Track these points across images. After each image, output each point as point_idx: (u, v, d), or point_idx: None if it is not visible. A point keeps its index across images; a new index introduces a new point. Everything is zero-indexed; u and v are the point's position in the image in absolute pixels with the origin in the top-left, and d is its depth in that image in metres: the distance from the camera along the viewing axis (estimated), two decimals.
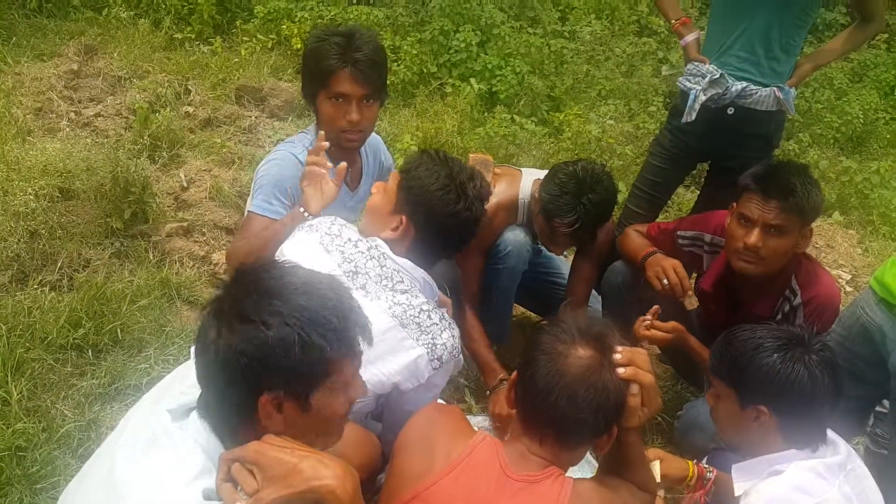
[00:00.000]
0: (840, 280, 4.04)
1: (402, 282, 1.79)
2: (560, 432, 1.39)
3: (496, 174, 2.79)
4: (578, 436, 1.42)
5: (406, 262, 1.83)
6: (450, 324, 1.78)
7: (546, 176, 2.55)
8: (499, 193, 2.62)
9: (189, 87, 4.41)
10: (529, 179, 2.70)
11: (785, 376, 1.58)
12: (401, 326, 1.70)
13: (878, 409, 2.37)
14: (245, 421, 1.16)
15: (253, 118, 4.37)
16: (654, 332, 2.31)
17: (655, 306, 2.34)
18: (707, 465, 2.01)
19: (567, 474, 1.45)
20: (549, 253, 2.98)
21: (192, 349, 1.68)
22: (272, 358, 1.11)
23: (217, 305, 1.16)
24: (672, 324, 2.33)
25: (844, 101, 5.85)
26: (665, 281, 2.40)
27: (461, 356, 1.83)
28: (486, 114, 4.81)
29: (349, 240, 1.82)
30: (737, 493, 1.64)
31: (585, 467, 2.16)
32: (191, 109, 4.23)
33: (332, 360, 1.16)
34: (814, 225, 2.28)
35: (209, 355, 1.14)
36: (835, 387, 1.60)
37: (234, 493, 1.09)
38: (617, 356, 1.40)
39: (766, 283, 2.28)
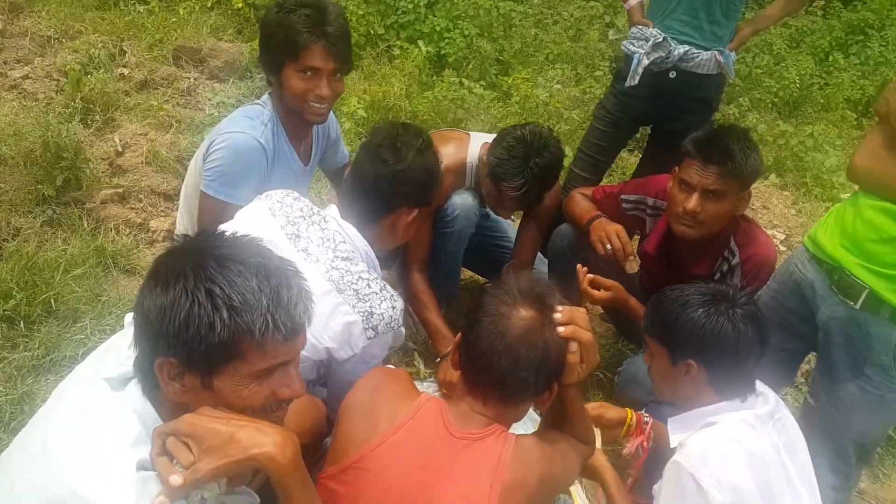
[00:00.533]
0: (775, 240, 4.18)
1: (345, 243, 1.78)
2: (502, 391, 1.42)
3: (446, 136, 2.78)
4: (520, 394, 1.44)
5: (350, 228, 1.82)
6: (391, 296, 1.76)
7: (494, 140, 2.55)
8: (447, 156, 2.60)
9: (124, 48, 4.21)
10: (477, 143, 2.69)
11: (710, 330, 1.64)
12: (337, 291, 1.68)
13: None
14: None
15: (192, 80, 4.21)
16: (593, 290, 2.37)
17: (585, 267, 2.40)
18: (645, 414, 2.09)
19: (511, 430, 1.47)
20: (496, 216, 2.99)
21: (126, 323, 1.65)
22: (165, 321, 1.07)
23: (153, 266, 1.14)
24: (611, 282, 2.39)
25: (782, 66, 6.00)
26: (608, 246, 2.44)
27: (402, 329, 1.81)
28: (434, 77, 4.75)
29: (299, 209, 1.82)
30: (672, 445, 1.70)
31: (528, 423, 2.21)
32: (126, 71, 4.05)
33: (227, 340, 1.08)
34: (753, 186, 2.33)
35: (135, 313, 1.13)
36: (759, 338, 1.66)
37: (169, 466, 1.07)
38: (557, 315, 1.42)
39: (706, 244, 2.34)
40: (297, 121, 2.27)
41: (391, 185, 1.84)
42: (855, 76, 6.47)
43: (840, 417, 2.00)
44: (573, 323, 1.43)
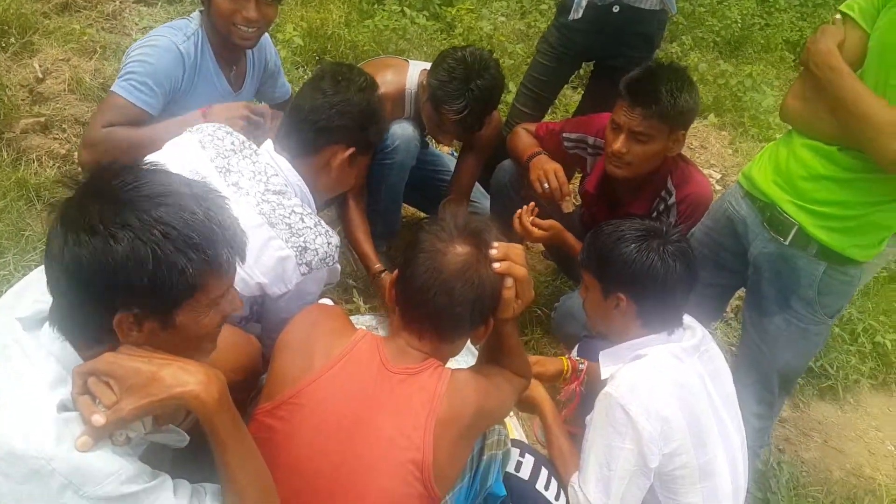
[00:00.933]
0: (711, 179, 4.28)
1: (277, 176, 1.74)
2: (438, 327, 1.43)
3: (383, 63, 2.70)
4: (456, 329, 1.46)
5: (283, 162, 1.78)
6: (326, 231, 1.73)
7: (434, 62, 2.50)
8: (385, 84, 2.53)
9: None
10: (416, 70, 2.63)
11: (640, 264, 1.68)
12: (269, 225, 1.64)
13: None
14: (102, 335, 1.09)
15: (117, 3, 3.96)
16: (532, 228, 2.39)
17: (532, 203, 2.42)
18: (578, 358, 2.15)
19: (451, 364, 1.49)
20: (436, 150, 2.96)
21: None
22: (123, 275, 1.02)
23: (65, 211, 1.05)
24: (550, 222, 2.42)
25: (725, 5, 6.03)
26: (546, 185, 2.45)
27: (337, 266, 1.79)
28: (375, 5, 4.60)
29: (231, 143, 1.77)
30: (603, 377, 1.76)
31: (468, 356, 2.25)
32: None
33: (194, 279, 1.08)
34: (692, 126, 2.36)
35: (58, 267, 1.04)
36: (688, 275, 1.71)
37: (91, 405, 1.04)
38: (493, 251, 1.43)
39: (643, 184, 2.37)
40: (226, 43, 2.21)
41: (328, 116, 1.79)
42: (794, 17, 6.58)
43: (766, 349, 2.09)
44: (508, 259, 1.43)
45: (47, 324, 1.12)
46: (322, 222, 1.74)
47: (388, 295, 1.53)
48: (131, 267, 1.03)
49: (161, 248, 1.04)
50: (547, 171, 2.45)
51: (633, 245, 1.70)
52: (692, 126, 4.71)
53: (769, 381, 2.14)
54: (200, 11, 2.22)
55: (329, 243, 1.72)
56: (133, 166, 1.11)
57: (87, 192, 1.06)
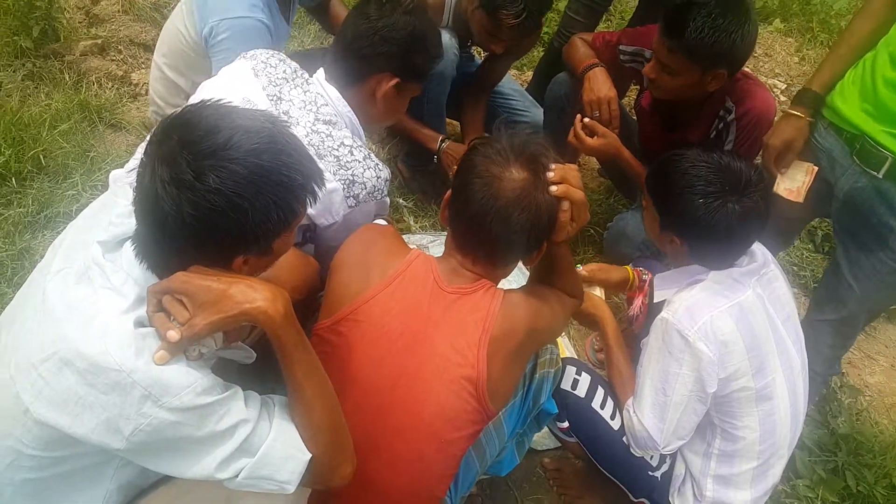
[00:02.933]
0: (775, 90, 4.09)
1: (327, 105, 1.73)
2: (492, 253, 1.44)
3: None
4: (510, 255, 1.47)
5: (333, 91, 1.76)
6: (376, 164, 1.71)
7: None
8: None
9: None
10: None
11: (703, 222, 1.59)
12: (317, 157, 1.61)
13: None
14: (189, 264, 1.15)
15: None
16: (586, 138, 2.32)
17: (577, 116, 2.36)
18: (642, 269, 2.14)
19: (503, 283, 1.51)
20: (473, 61, 2.92)
21: (112, 180, 1.65)
22: (251, 229, 1.11)
23: (170, 157, 1.07)
24: (605, 129, 2.35)
25: None
26: (596, 113, 2.38)
27: (386, 199, 1.78)
28: None
29: (283, 71, 1.76)
30: (656, 300, 1.75)
31: (520, 276, 2.28)
32: None
33: (297, 212, 1.18)
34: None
35: (166, 210, 1.08)
36: (751, 237, 1.64)
37: (167, 321, 1.11)
38: (550, 174, 1.41)
39: (699, 103, 2.27)
40: None
41: (371, 43, 1.73)
42: None
43: (858, 287, 1.99)
44: (566, 181, 1.42)
45: (127, 245, 1.18)
46: (372, 155, 1.73)
47: (441, 215, 1.54)
48: (258, 221, 1.11)
49: (279, 196, 1.12)
50: (601, 100, 2.38)
51: (700, 200, 1.59)
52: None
53: (855, 319, 2.07)
54: None
55: (378, 177, 1.71)
56: (220, 112, 1.13)
57: (186, 139, 1.09)
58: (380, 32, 1.73)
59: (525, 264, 1.56)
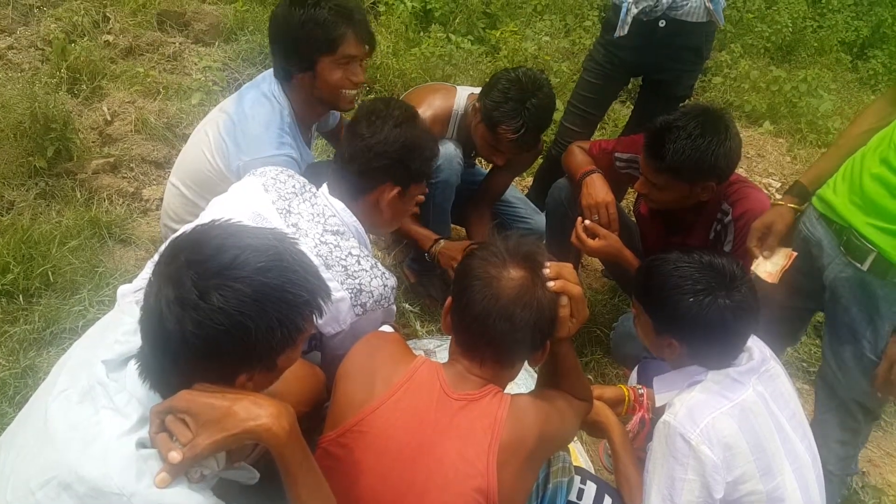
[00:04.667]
0: (770, 188, 4.19)
1: (334, 216, 1.77)
2: (498, 352, 1.43)
3: (433, 88, 2.76)
4: (516, 354, 1.46)
5: (338, 203, 1.81)
6: (382, 273, 1.74)
7: (487, 85, 2.54)
8: (434, 106, 2.64)
9: (107, 14, 4.14)
10: (464, 94, 2.70)
11: (697, 320, 1.59)
12: (325, 267, 1.66)
13: None
14: (193, 383, 1.15)
15: (177, 44, 4.16)
16: (588, 239, 2.36)
17: (580, 218, 2.41)
18: (637, 385, 2.11)
19: (512, 386, 1.49)
20: (483, 170, 3.01)
21: (120, 296, 1.66)
22: (254, 348, 1.12)
23: (176, 277, 1.09)
24: (607, 231, 2.39)
25: (774, 9, 5.91)
26: (595, 217, 2.44)
27: (393, 307, 1.80)
28: (421, 33, 4.69)
29: (292, 186, 1.82)
30: (659, 404, 1.72)
31: (529, 379, 2.25)
32: (111, 38, 4.00)
33: (303, 328, 1.19)
34: (745, 135, 2.30)
35: (169, 330, 1.08)
36: (747, 329, 1.63)
37: (169, 442, 1.09)
38: (546, 271, 1.43)
39: (697, 210, 2.33)
40: (316, 110, 2.30)
41: (367, 159, 1.78)
42: (849, 17, 6.40)
43: (842, 377, 1.99)
44: (562, 277, 1.44)
45: (131, 364, 1.18)
46: (379, 264, 1.76)
47: (443, 323, 1.54)
48: (262, 339, 1.12)
49: (284, 314, 1.13)
50: (599, 204, 2.44)
51: (691, 299, 1.59)
52: (746, 134, 4.63)
53: (850, 409, 2.03)
54: (280, 87, 2.23)
55: (385, 285, 1.73)
56: (225, 232, 1.16)
57: (192, 266, 1.10)
58: (374, 149, 1.78)
59: (530, 364, 1.55)
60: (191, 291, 1.07)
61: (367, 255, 1.75)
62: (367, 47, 2.19)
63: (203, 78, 3.82)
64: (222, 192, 1.89)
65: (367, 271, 1.71)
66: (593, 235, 2.38)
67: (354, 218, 1.82)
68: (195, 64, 3.99)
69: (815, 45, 5.99)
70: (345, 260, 1.70)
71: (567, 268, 1.46)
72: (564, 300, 1.45)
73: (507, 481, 1.36)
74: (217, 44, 4.22)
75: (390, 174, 1.81)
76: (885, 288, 1.84)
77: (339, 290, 1.65)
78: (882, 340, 1.87)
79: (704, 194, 2.22)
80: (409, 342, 2.58)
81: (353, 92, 2.23)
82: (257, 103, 2.22)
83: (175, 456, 1.06)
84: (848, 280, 1.90)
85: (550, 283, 1.43)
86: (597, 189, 2.47)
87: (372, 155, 1.79)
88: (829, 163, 2.04)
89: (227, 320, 1.07)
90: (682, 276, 1.62)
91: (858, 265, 1.86)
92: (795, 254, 2.04)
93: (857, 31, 6.30)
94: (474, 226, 2.95)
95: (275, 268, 1.12)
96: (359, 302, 1.68)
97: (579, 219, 2.40)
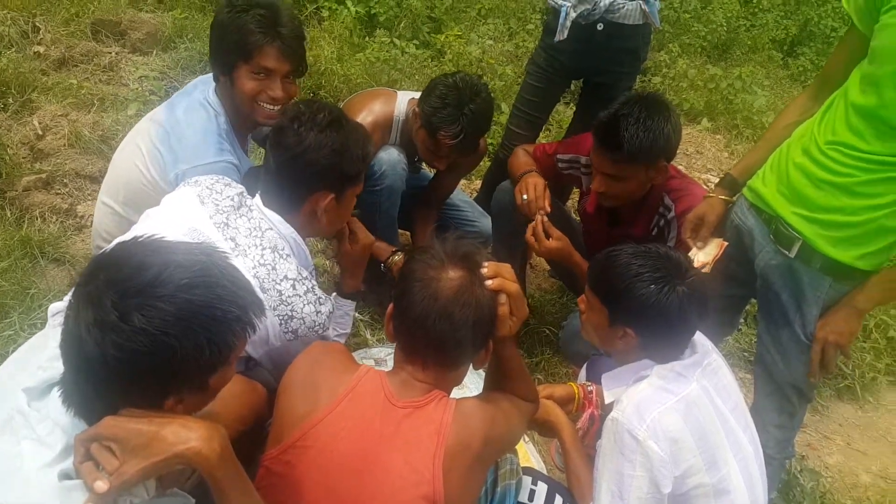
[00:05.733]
0: (709, 184, 4.28)
1: (271, 230, 1.73)
2: (441, 354, 1.43)
3: (373, 94, 2.75)
4: (458, 354, 1.46)
5: (274, 216, 1.76)
6: (317, 299, 1.71)
7: (425, 90, 2.54)
8: (374, 112, 2.62)
9: (37, 24, 4.00)
10: (405, 99, 2.70)
11: (658, 307, 1.62)
12: (261, 290, 1.62)
13: None
14: (120, 407, 1.11)
15: (113, 54, 4.04)
16: (543, 239, 2.38)
17: (537, 217, 2.41)
18: (586, 382, 2.14)
19: (462, 389, 1.49)
20: (429, 174, 3.02)
21: (50, 315, 1.60)
22: (183, 368, 1.07)
23: (96, 298, 1.05)
24: (560, 233, 2.41)
25: (709, 9, 6.07)
26: (524, 196, 2.47)
27: (328, 333, 1.77)
28: (366, 38, 4.67)
29: (230, 198, 1.76)
30: (607, 401, 1.74)
31: (479, 381, 2.25)
32: (41, 49, 3.86)
33: (236, 346, 1.15)
34: (685, 132, 2.35)
35: (90, 353, 1.04)
36: (699, 319, 1.66)
37: (95, 471, 1.05)
38: (483, 270, 1.45)
39: (639, 204, 2.39)
40: (245, 120, 2.22)
41: (295, 169, 1.74)
42: (778, 16, 6.61)
43: (779, 360, 2.05)
44: (499, 275, 1.46)
45: (54, 392, 1.13)
46: (316, 289, 1.72)
47: (386, 329, 1.53)
48: (190, 360, 1.07)
49: (212, 332, 1.08)
50: (528, 183, 2.48)
51: (652, 286, 1.62)
52: (685, 132, 4.74)
53: (786, 393, 2.09)
54: (215, 91, 2.18)
55: (318, 312, 1.69)
56: (150, 249, 1.11)
57: (112, 279, 1.06)
58: (301, 158, 1.73)
59: (475, 366, 1.55)
60: (110, 312, 1.02)
61: (304, 279, 1.71)
62: (289, 65, 2.10)
63: (140, 88, 3.73)
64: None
65: (300, 297, 1.67)
66: (548, 235, 2.41)
67: (292, 229, 1.78)
68: (131, 74, 3.89)
69: (749, 43, 6.18)
70: (279, 284, 1.66)
71: (505, 267, 1.48)
72: (503, 298, 1.46)
73: (454, 487, 1.35)
74: (155, 53, 4.12)
75: (323, 181, 1.77)
76: (810, 274, 1.90)
77: (270, 315, 1.62)
78: (810, 325, 1.94)
79: (659, 176, 2.28)
80: (359, 351, 2.59)
81: (272, 107, 2.14)
82: (191, 110, 2.15)
83: (101, 486, 1.02)
84: (778, 267, 1.97)
85: (488, 282, 1.44)
86: (532, 176, 2.52)
87: (301, 164, 1.73)
88: (757, 155, 2.11)
89: (150, 341, 1.03)
90: (641, 265, 1.66)
91: (786, 253, 1.92)
92: (726, 243, 2.11)
93: (786, 30, 6.52)
94: (419, 229, 2.95)
95: (201, 284, 1.08)
96: (289, 328, 1.66)
97: (538, 217, 2.41)
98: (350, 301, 2.08)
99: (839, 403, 3.10)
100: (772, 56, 6.16)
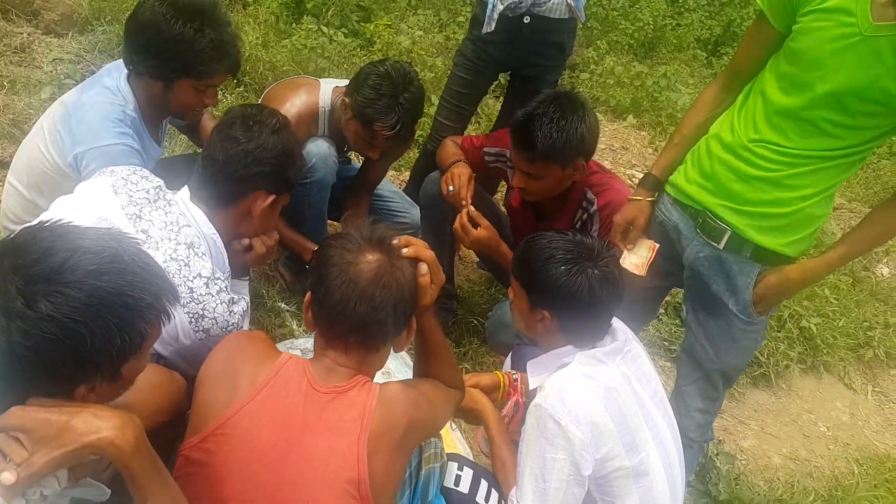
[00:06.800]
0: (633, 179, 4.41)
1: (189, 227, 1.69)
2: (363, 337, 1.43)
3: (294, 84, 2.70)
4: (380, 336, 1.46)
5: (198, 213, 1.73)
6: (231, 298, 1.69)
7: (354, 80, 2.50)
8: (298, 105, 2.56)
9: None
10: (328, 88, 2.64)
11: (567, 288, 1.68)
12: None
13: None
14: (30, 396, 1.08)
15: (25, 35, 3.85)
16: (471, 229, 2.41)
17: (463, 209, 2.44)
18: (512, 371, 2.18)
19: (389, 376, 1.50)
20: (357, 165, 3.00)
21: None
22: (94, 356, 1.05)
23: (1, 284, 1.02)
24: (487, 222, 2.44)
25: (637, 7, 6.23)
26: (450, 187, 2.49)
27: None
28: (292, 25, 4.58)
29: (145, 191, 1.71)
30: (531, 388, 1.77)
31: (406, 369, 2.26)
32: None
33: (148, 334, 1.13)
34: (610, 128, 2.41)
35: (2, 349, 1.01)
36: (613, 300, 1.72)
37: (2, 462, 1.02)
38: (395, 242, 1.48)
39: (563, 198, 2.43)
40: (161, 112, 2.20)
41: (244, 164, 1.73)
42: (703, 16, 6.85)
43: (709, 348, 2.11)
44: (412, 244, 1.49)
45: None
46: (228, 289, 1.70)
47: (304, 318, 1.52)
48: (100, 347, 1.05)
49: (123, 319, 1.06)
50: (454, 173, 2.50)
51: (562, 267, 1.69)
52: (611, 128, 4.85)
53: (713, 379, 2.17)
54: (128, 80, 2.12)
55: (231, 311, 1.68)
56: (55, 233, 1.08)
57: (17, 267, 1.03)
58: (251, 154, 1.73)
59: (395, 349, 1.56)
60: (16, 299, 0.99)
61: (218, 279, 1.68)
62: (231, 77, 2.15)
63: (54, 70, 3.56)
64: (61, 189, 1.77)
65: (212, 296, 1.65)
66: (475, 224, 2.43)
67: (213, 229, 1.74)
68: (45, 56, 3.71)
69: (675, 41, 6.38)
70: (192, 282, 1.62)
71: (416, 240, 1.52)
72: (424, 268, 1.50)
73: (379, 469, 1.36)
74: (70, 35, 3.95)
75: (266, 181, 1.77)
76: (740, 262, 1.97)
77: (179, 313, 1.59)
78: (747, 306, 2.00)
79: (577, 174, 2.32)
80: (285, 342, 2.56)
81: (204, 109, 2.19)
82: (98, 94, 2.10)
83: (8, 477, 0.99)
84: (707, 259, 2.03)
85: (404, 250, 1.47)
86: (459, 166, 2.54)
87: (250, 160, 1.73)
88: (674, 153, 2.15)
89: (58, 329, 1.00)
90: (555, 248, 1.72)
91: (715, 244, 1.98)
92: (657, 245, 2.15)
93: (710, 30, 6.76)
94: (350, 217, 2.91)
95: (111, 270, 1.06)
96: (200, 327, 1.63)
97: (466, 209, 2.43)
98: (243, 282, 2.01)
99: (754, 390, 3.26)
100: (696, 55, 6.37)
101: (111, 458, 1.07)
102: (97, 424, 1.06)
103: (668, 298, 3.13)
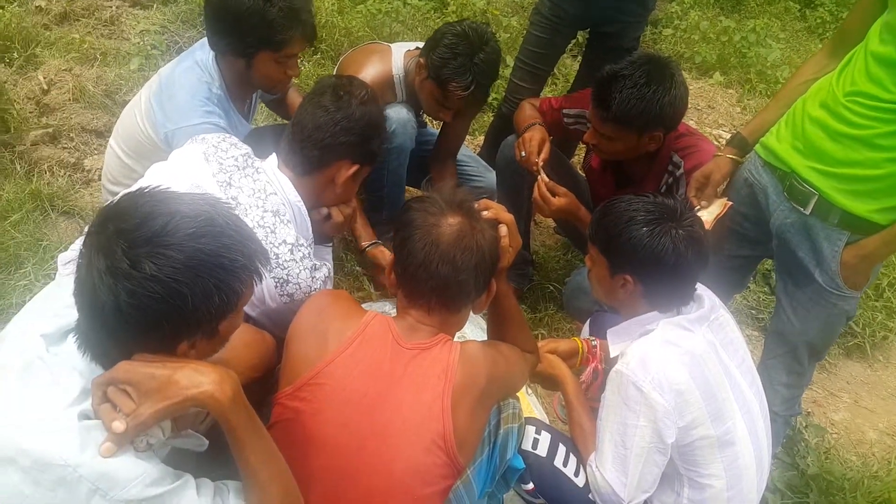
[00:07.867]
0: (720, 140, 4.23)
1: (276, 195, 1.74)
2: (444, 297, 1.47)
3: (367, 51, 2.70)
4: (462, 297, 1.50)
5: (284, 181, 1.78)
6: (314, 265, 1.74)
7: (431, 40, 2.49)
8: (372, 74, 2.56)
9: None
10: (400, 53, 2.64)
11: (651, 249, 1.64)
12: None
13: None
14: (134, 353, 1.14)
15: (114, 8, 4.02)
16: (550, 196, 2.37)
17: (539, 178, 2.40)
18: (590, 337, 2.16)
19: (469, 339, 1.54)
20: (434, 130, 2.99)
21: (60, 264, 1.63)
22: (193, 316, 1.10)
23: (106, 247, 1.07)
24: (566, 190, 2.40)
25: None
26: (522, 152, 2.45)
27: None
28: None
29: (234, 157, 1.78)
30: (612, 355, 1.76)
31: (480, 332, 2.28)
32: (43, 3, 3.84)
33: (243, 293, 1.18)
34: (696, 87, 2.30)
35: (104, 300, 1.06)
36: (698, 261, 1.67)
37: (112, 412, 1.08)
38: (475, 205, 1.51)
39: (647, 161, 2.35)
40: (248, 88, 2.27)
41: (331, 133, 1.77)
42: None
43: (795, 320, 2.04)
44: (491, 207, 1.53)
45: (70, 338, 1.16)
46: (311, 255, 1.75)
47: (388, 279, 1.56)
48: (200, 306, 1.10)
49: (220, 279, 1.11)
50: (525, 138, 2.46)
51: (644, 228, 1.65)
52: (697, 86, 4.64)
53: (798, 353, 2.10)
54: (214, 59, 2.18)
55: (314, 277, 1.73)
56: (156, 199, 1.14)
57: (122, 229, 1.08)
58: (340, 123, 1.77)
59: (475, 310, 1.59)
60: (122, 261, 1.05)
61: (302, 245, 1.73)
62: (309, 45, 2.20)
63: (142, 42, 3.71)
64: (156, 157, 1.85)
65: (296, 262, 1.70)
66: (553, 192, 2.39)
67: (298, 196, 1.79)
68: (133, 28, 3.87)
69: None
70: (277, 248, 1.68)
71: (494, 202, 1.57)
72: (504, 230, 1.54)
73: (462, 422, 1.41)
74: (155, 6, 4.08)
75: (351, 151, 1.81)
76: (826, 230, 1.89)
77: (265, 277, 1.62)
78: (835, 277, 1.92)
79: (652, 144, 2.24)
80: (364, 305, 2.61)
81: (289, 81, 2.25)
82: (189, 71, 2.18)
83: (118, 426, 1.06)
84: (793, 225, 1.95)
85: (485, 213, 1.52)
86: (535, 129, 2.50)
87: (338, 129, 1.78)
88: (770, 114, 2.07)
89: (162, 288, 1.06)
90: (635, 210, 1.69)
91: (802, 209, 1.90)
92: (731, 203, 2.09)
93: None
94: (437, 182, 2.89)
95: (208, 233, 1.11)
96: (285, 291, 1.69)
97: (541, 178, 2.40)
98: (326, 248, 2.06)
99: (847, 361, 3.09)
100: (788, 7, 6.00)
101: (211, 410, 1.13)
102: (198, 379, 1.12)
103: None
